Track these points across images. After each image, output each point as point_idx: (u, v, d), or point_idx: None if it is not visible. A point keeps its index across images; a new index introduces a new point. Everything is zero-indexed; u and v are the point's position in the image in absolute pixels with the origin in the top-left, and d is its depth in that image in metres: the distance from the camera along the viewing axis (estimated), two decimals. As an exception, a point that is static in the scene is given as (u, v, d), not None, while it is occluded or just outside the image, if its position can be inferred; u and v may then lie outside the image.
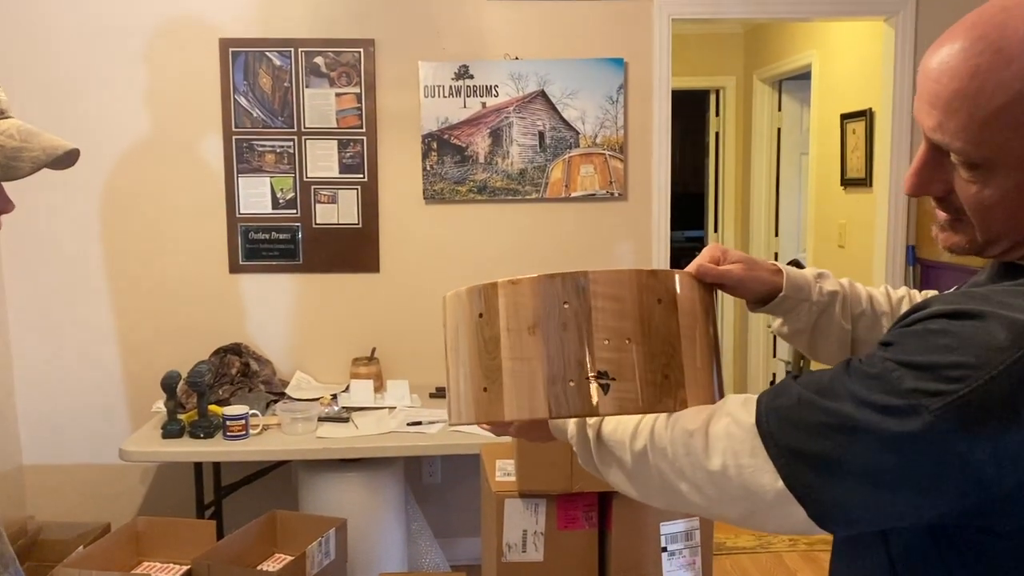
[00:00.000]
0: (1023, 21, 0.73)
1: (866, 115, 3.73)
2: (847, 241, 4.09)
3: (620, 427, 0.94)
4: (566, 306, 0.91)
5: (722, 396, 0.97)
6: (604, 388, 0.89)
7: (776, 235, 5.16)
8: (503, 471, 2.26)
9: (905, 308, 1.11)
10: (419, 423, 2.75)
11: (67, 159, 0.88)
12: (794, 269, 1.13)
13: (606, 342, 0.90)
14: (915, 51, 3.26)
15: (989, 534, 0.78)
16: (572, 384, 0.89)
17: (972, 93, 0.74)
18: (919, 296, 1.13)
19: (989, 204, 0.79)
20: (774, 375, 5.02)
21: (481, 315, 0.95)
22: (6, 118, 0.86)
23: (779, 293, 1.08)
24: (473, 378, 0.97)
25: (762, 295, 1.09)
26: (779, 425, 0.80)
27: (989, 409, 0.71)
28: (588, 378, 0.89)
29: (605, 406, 0.89)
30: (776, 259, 4.35)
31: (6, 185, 0.89)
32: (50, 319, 3.15)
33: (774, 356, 4.98)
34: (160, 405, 2.80)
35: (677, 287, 0.96)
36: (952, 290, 0.91)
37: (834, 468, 0.76)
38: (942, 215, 0.86)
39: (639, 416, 0.93)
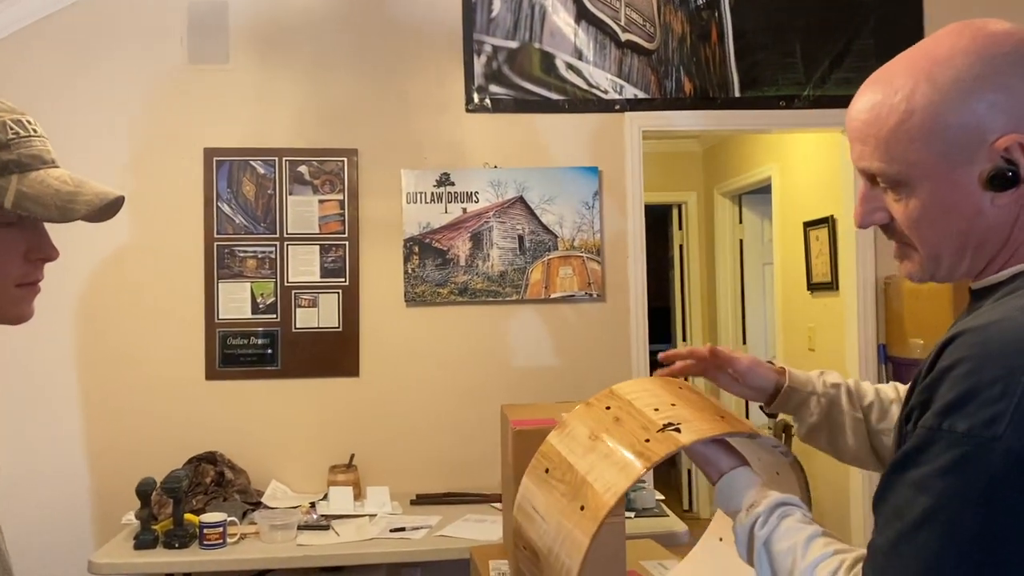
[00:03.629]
0: (905, 62, 0.89)
1: (828, 222, 3.89)
2: (817, 344, 4.17)
3: (789, 553, 0.89)
4: (608, 409, 1.07)
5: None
6: (676, 430, 0.98)
7: (744, 343, 5.25)
8: (497, 571, 2.18)
9: None
10: (403, 528, 2.66)
11: (114, 206, 0.90)
12: (795, 369, 1.25)
13: (656, 410, 1.04)
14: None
15: None
16: (649, 442, 0.98)
17: (872, 120, 0.89)
18: None
19: (916, 218, 0.87)
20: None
21: (547, 470, 1.07)
22: (56, 167, 0.89)
23: (784, 386, 1.20)
24: (568, 519, 1.02)
25: (768, 388, 1.21)
26: None
27: None
28: (660, 431, 0.98)
29: (688, 437, 0.97)
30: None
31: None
32: (23, 431, 3.03)
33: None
34: (131, 516, 2.67)
35: (691, 381, 1.21)
36: None
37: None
38: (896, 247, 0.94)
39: (808, 548, 0.89)
